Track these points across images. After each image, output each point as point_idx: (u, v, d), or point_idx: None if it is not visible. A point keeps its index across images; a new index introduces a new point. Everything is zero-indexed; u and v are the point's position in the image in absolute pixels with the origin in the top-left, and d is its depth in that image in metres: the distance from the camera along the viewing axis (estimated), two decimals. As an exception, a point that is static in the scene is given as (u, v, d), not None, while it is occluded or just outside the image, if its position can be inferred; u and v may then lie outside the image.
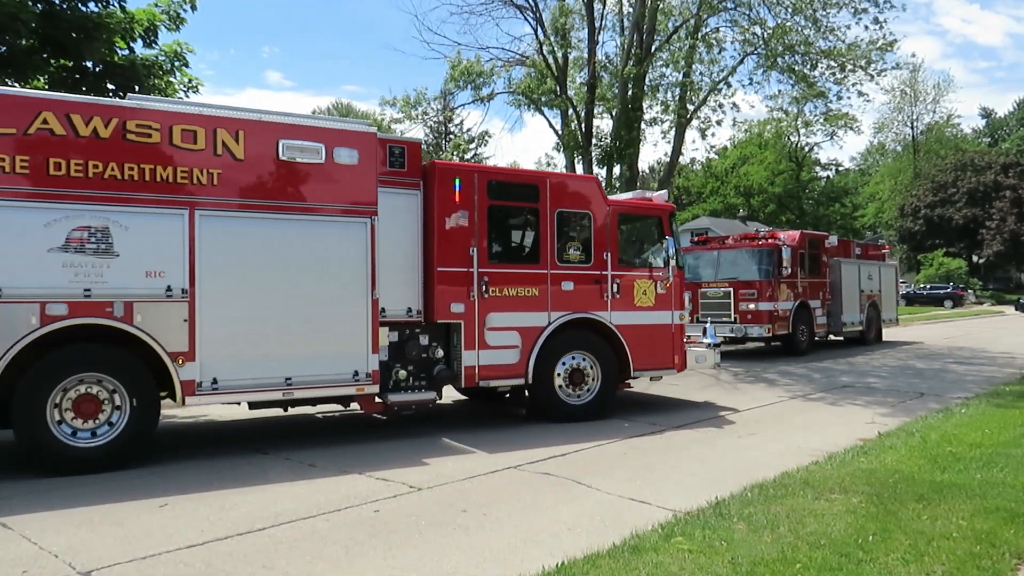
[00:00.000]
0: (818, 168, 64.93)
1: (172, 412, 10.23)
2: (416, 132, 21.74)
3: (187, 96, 10.34)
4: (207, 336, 6.82)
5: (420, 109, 20.04)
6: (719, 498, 5.44)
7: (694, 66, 19.90)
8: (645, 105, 20.18)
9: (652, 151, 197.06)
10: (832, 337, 19.86)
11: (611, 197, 9.90)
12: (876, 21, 18.33)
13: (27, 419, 6.31)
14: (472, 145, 61.21)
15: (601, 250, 9.22)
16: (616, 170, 20.23)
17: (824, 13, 18.55)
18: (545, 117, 20.25)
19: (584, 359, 9.08)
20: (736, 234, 19.75)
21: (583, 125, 19.71)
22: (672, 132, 20.70)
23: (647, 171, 56.33)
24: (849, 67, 18.97)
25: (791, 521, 4.85)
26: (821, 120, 21.60)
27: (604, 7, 20.46)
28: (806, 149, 57.53)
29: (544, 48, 19.14)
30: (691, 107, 20.30)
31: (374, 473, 6.53)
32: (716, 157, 54.00)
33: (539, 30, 19.45)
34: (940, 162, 59.87)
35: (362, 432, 8.78)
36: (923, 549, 4.33)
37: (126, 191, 6.54)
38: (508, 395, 9.14)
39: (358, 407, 7.95)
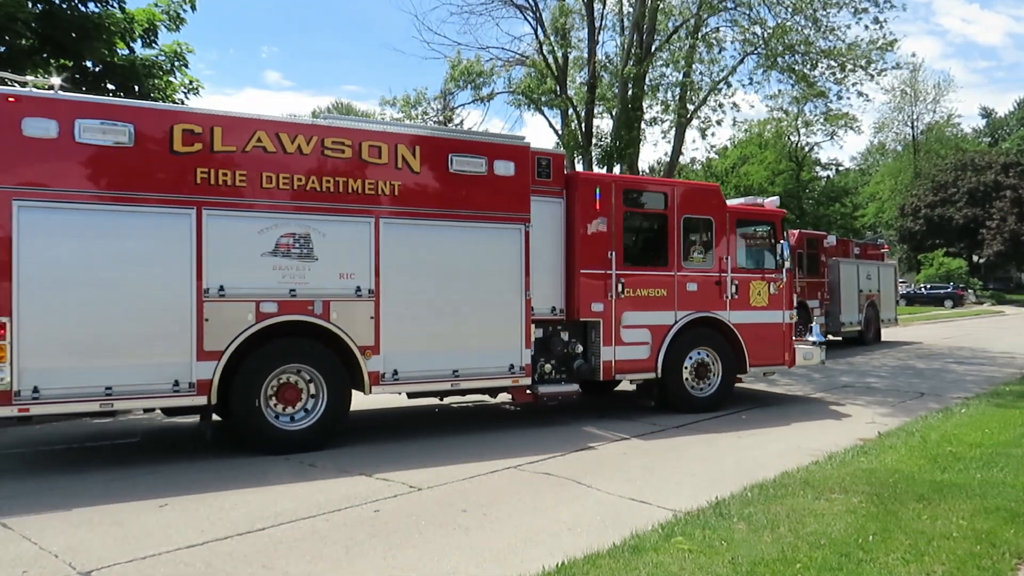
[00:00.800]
0: (818, 168, 64.90)
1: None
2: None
3: (187, 97, 10.35)
4: (389, 332, 7.63)
5: (420, 109, 20.06)
6: (719, 498, 5.44)
7: (694, 66, 19.88)
8: (645, 105, 20.17)
9: (652, 151, 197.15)
10: (831, 337, 19.78)
11: (729, 203, 10.47)
12: (876, 21, 18.32)
13: (245, 405, 7.09)
14: (472, 145, 61.36)
15: (721, 253, 9.92)
16: (616, 170, 20.23)
17: (824, 13, 18.53)
18: (545, 117, 20.28)
19: (707, 355, 9.78)
20: None
21: (583, 125, 19.70)
22: (672, 132, 20.69)
23: (647, 171, 56.26)
24: (849, 67, 18.94)
25: (791, 521, 4.85)
26: (821, 120, 21.60)
27: (604, 7, 20.47)
28: (806, 149, 57.50)
29: (544, 48, 19.14)
30: (691, 107, 20.28)
31: (374, 473, 6.53)
32: (716, 157, 53.93)
33: (539, 30, 19.46)
34: (940, 162, 59.86)
35: (362, 432, 8.78)
36: (923, 549, 4.33)
37: (324, 201, 7.38)
38: (636, 388, 9.93)
39: (509, 397, 8.82)
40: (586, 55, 19.87)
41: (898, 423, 8.73)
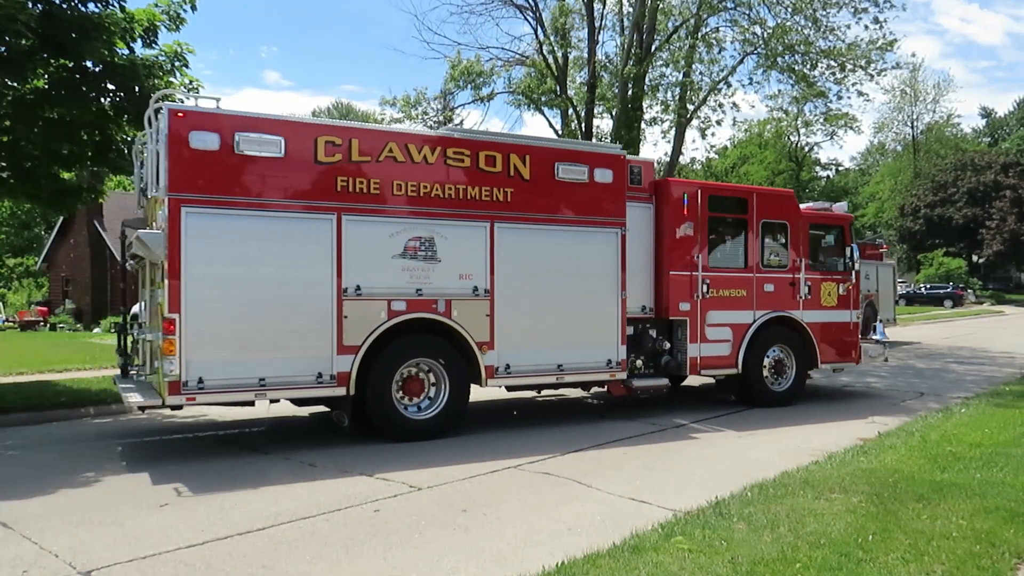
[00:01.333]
0: (818, 168, 64.96)
1: (171, 412, 10.23)
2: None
3: (187, 98, 10.31)
4: (502, 328, 8.24)
5: (420, 109, 20.05)
6: (719, 498, 5.43)
7: (694, 66, 19.90)
8: (645, 105, 20.17)
9: (652, 151, 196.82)
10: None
11: (802, 207, 10.95)
12: (876, 21, 18.33)
13: (380, 395, 7.68)
14: (472, 145, 61.37)
15: (795, 255, 10.46)
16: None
17: (824, 13, 18.54)
18: (545, 117, 20.28)
19: (782, 352, 10.37)
20: None
21: (583, 125, 19.68)
22: (672, 132, 20.70)
23: (647, 171, 56.33)
24: (849, 67, 18.94)
25: (791, 521, 4.85)
26: (821, 120, 21.59)
27: (604, 7, 20.47)
28: (806, 149, 57.53)
29: (544, 48, 19.13)
30: (691, 107, 20.28)
31: (374, 473, 6.53)
32: (716, 157, 54.02)
33: (539, 30, 19.46)
34: (940, 162, 59.84)
35: (362, 432, 8.78)
36: (923, 548, 4.33)
37: (446, 207, 7.97)
38: (716, 383, 10.78)
39: (606, 390, 9.32)
40: (586, 55, 19.87)
41: (898, 423, 8.73)
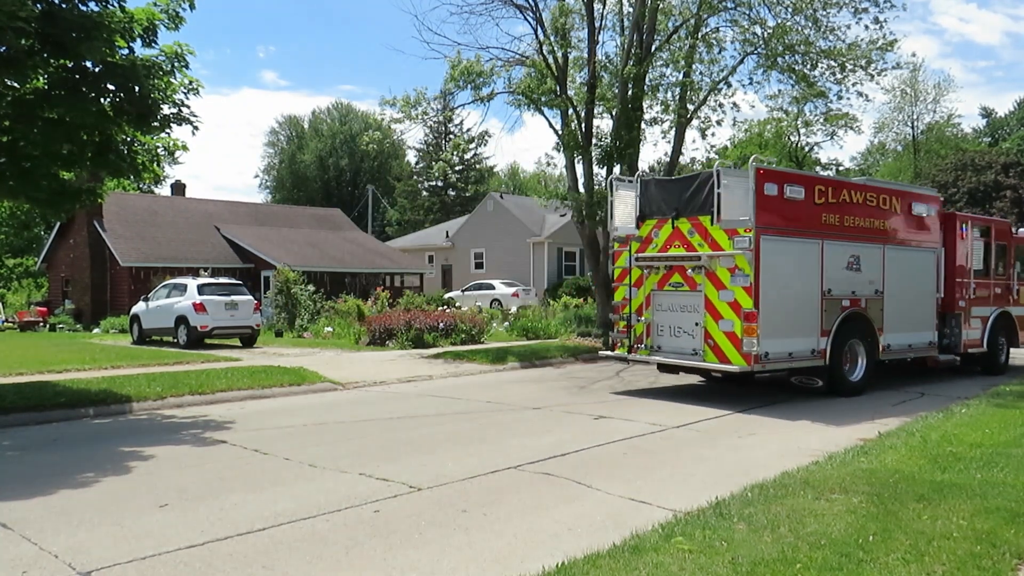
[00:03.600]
0: (818, 168, 64.91)
1: (171, 412, 10.25)
2: (416, 132, 21.66)
3: (187, 98, 10.31)
4: (889, 318, 11.80)
5: (420, 109, 19.99)
6: (719, 498, 5.43)
7: (694, 66, 19.86)
8: (645, 105, 20.13)
9: (652, 151, 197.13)
10: None
11: (1014, 233, 15.14)
12: (876, 21, 18.30)
13: (837, 364, 11.01)
14: (472, 145, 61.33)
15: (1010, 267, 14.66)
16: (616, 170, 20.22)
17: (824, 13, 18.51)
18: (545, 117, 20.22)
19: (1002, 336, 14.38)
20: None
21: (583, 125, 19.66)
22: (672, 132, 20.66)
23: (647, 171, 56.25)
24: (849, 67, 18.92)
25: (791, 521, 4.85)
26: (821, 120, 21.57)
27: (604, 7, 20.41)
28: (806, 149, 57.50)
29: (544, 48, 19.09)
30: (691, 107, 20.25)
31: (374, 473, 6.53)
32: (716, 157, 53.97)
33: (539, 30, 19.41)
34: (940, 162, 59.78)
35: (362, 432, 8.78)
36: (923, 549, 4.33)
37: (865, 234, 11.50)
38: (962, 359, 13.66)
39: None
40: (586, 55, 19.84)
41: (898, 423, 8.73)
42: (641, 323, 11.38)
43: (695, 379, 12.68)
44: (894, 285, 11.85)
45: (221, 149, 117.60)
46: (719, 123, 25.95)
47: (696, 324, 10.56)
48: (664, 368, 11.71)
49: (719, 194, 10.11)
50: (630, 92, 19.24)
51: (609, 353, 12.46)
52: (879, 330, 11.59)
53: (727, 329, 10.07)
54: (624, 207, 11.74)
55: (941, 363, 12.99)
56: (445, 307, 29.08)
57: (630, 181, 11.98)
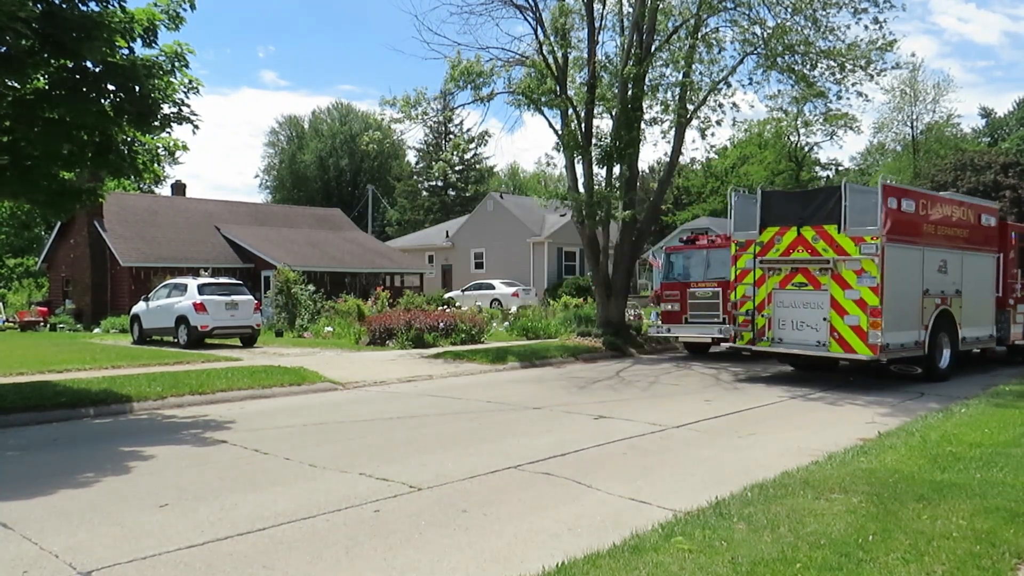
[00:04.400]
0: (818, 168, 64.95)
1: (172, 412, 10.25)
2: (416, 132, 21.62)
3: (187, 97, 10.31)
4: (966, 314, 13.63)
5: (420, 109, 19.95)
6: (719, 498, 5.43)
7: (694, 66, 19.83)
8: (645, 105, 20.11)
9: (652, 151, 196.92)
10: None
11: None
12: (876, 21, 18.27)
13: (935, 355, 12.98)
14: (472, 145, 61.34)
15: None
16: (616, 170, 20.21)
17: (824, 13, 18.47)
18: (545, 117, 20.19)
19: None
20: (726, 234, 19.49)
21: (583, 125, 19.65)
22: (672, 132, 20.63)
23: (647, 171, 56.30)
24: (849, 67, 18.88)
25: (791, 521, 4.85)
26: (821, 120, 21.51)
27: (604, 7, 20.39)
28: (806, 149, 57.51)
29: (544, 48, 19.07)
30: (691, 107, 20.23)
31: (374, 473, 6.53)
32: (716, 157, 53.93)
33: (539, 30, 19.38)
34: (940, 162, 59.77)
35: (361, 432, 8.79)
36: (923, 549, 4.33)
37: (949, 242, 13.27)
38: (1008, 349, 15.74)
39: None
40: (586, 55, 19.84)
41: (898, 423, 8.73)
42: (762, 318, 13.01)
43: (697, 378, 12.59)
44: (969, 286, 13.78)
45: (221, 149, 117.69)
46: (719, 123, 25.89)
47: (824, 319, 12.17)
48: (784, 359, 14.37)
49: (846, 206, 11.84)
50: (630, 92, 19.23)
51: (731, 345, 13.96)
52: (959, 325, 13.45)
53: (853, 324, 11.78)
54: (744, 215, 13.50)
55: (997, 354, 15.56)
56: (445, 307, 29.08)
57: (750, 193, 14.01)
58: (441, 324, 20.47)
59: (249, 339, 21.15)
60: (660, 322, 18.42)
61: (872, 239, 11.61)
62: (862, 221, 11.74)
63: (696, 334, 17.57)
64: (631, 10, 19.77)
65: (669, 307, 17.95)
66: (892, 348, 11.84)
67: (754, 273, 13.19)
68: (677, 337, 18.59)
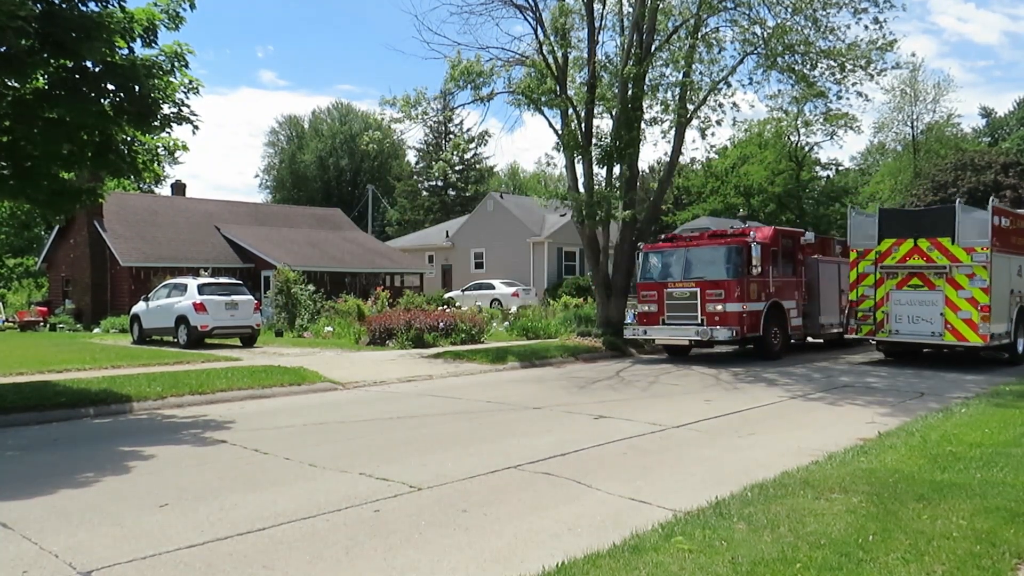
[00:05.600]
0: (818, 168, 64.92)
1: (171, 412, 10.25)
2: (416, 132, 21.60)
3: (187, 97, 10.31)
4: None
5: (420, 109, 19.96)
6: (719, 498, 5.43)
7: (694, 66, 19.84)
8: (645, 105, 20.12)
9: (652, 151, 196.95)
10: (811, 339, 19.26)
11: None
12: (876, 21, 18.28)
13: (1015, 341, 15.33)
14: (472, 145, 61.36)
15: None
16: (616, 170, 20.21)
17: (824, 13, 18.48)
18: (545, 117, 20.19)
19: None
20: (706, 231, 18.66)
21: (583, 125, 19.65)
22: (672, 132, 20.64)
23: (647, 171, 56.27)
24: (849, 67, 18.89)
25: (791, 521, 4.85)
26: (821, 120, 21.52)
27: (604, 7, 20.39)
28: (806, 149, 57.50)
29: (544, 48, 19.07)
30: (691, 107, 20.24)
31: (374, 473, 6.53)
32: (716, 157, 53.89)
33: (539, 30, 19.39)
34: (940, 162, 59.77)
35: (361, 431, 8.79)
36: (923, 549, 4.33)
37: (1022, 251, 15.74)
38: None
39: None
40: (586, 55, 19.84)
41: (898, 423, 8.73)
42: (881, 313, 15.39)
43: (697, 378, 12.57)
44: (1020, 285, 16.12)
45: (220, 149, 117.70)
46: (719, 123, 25.93)
47: (940, 314, 14.61)
48: (901, 347, 16.19)
49: (959, 223, 14.42)
50: (630, 92, 19.24)
51: (852, 336, 16.23)
52: None
53: (965, 317, 14.28)
54: (861, 229, 15.92)
55: None
56: (445, 307, 29.08)
57: (863, 210, 16.99)
58: (441, 324, 20.47)
59: (249, 339, 21.15)
60: (636, 323, 17.87)
61: (983, 249, 14.22)
62: (973, 235, 14.48)
63: (673, 336, 16.92)
64: (631, 10, 19.78)
65: (646, 308, 17.36)
66: (994, 337, 14.46)
67: (874, 276, 15.51)
68: (653, 340, 17.91)
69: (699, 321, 16.18)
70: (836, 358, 17.41)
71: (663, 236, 18.64)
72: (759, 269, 16.07)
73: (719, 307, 16.03)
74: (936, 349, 16.14)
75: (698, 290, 16.29)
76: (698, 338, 16.22)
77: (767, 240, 16.90)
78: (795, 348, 18.81)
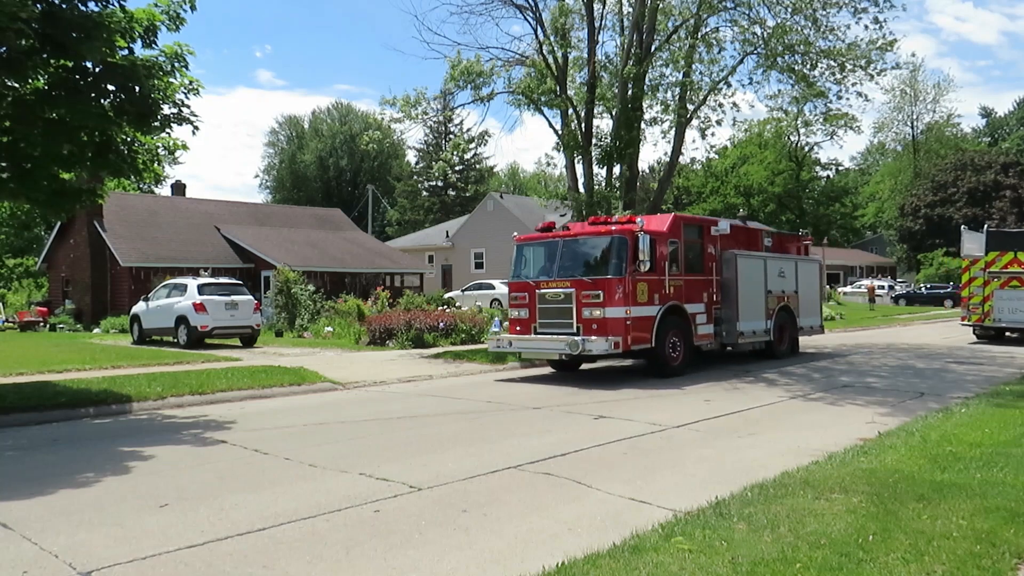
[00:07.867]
0: (818, 168, 64.96)
1: (171, 412, 10.25)
2: (416, 132, 21.61)
3: (187, 98, 10.30)
4: None
5: (420, 109, 19.99)
6: (719, 498, 5.43)
7: (694, 66, 19.86)
8: (645, 105, 20.13)
9: (652, 151, 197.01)
10: (729, 349, 15.94)
11: None
12: (876, 21, 18.29)
13: None
14: (472, 145, 61.35)
15: None
16: (616, 170, 20.21)
17: (824, 13, 18.50)
18: (545, 117, 20.21)
19: None
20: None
21: (583, 125, 19.66)
22: (672, 132, 20.65)
23: (647, 171, 56.28)
24: (849, 67, 18.91)
25: (791, 521, 4.85)
26: (821, 120, 21.54)
27: (604, 7, 20.42)
28: (806, 149, 57.54)
29: (544, 48, 19.09)
30: (691, 107, 20.25)
31: (374, 473, 6.53)
32: (716, 157, 53.94)
33: (539, 30, 19.41)
34: (940, 161, 59.81)
35: (362, 431, 8.79)
36: (923, 549, 4.33)
37: None
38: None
39: None
40: (586, 55, 19.84)
41: (898, 423, 8.73)
42: (987, 305, 20.63)
43: (701, 378, 12.56)
44: None
45: (218, 149, 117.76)
46: (719, 123, 25.93)
47: None
48: (992, 331, 21.25)
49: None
50: (630, 92, 19.24)
51: (965, 323, 21.85)
52: None
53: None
54: (972, 243, 21.46)
55: None
56: (445, 307, 29.08)
57: (974, 229, 22.06)
58: (441, 324, 20.47)
59: (249, 339, 21.16)
60: (505, 332, 14.87)
61: None
62: None
63: (542, 348, 13.59)
64: (631, 10, 19.78)
65: (516, 313, 14.09)
66: None
67: (982, 279, 20.75)
68: (519, 354, 14.38)
69: (575, 329, 13.04)
70: (853, 355, 17.28)
71: (539, 226, 15.24)
72: (648, 265, 12.80)
73: (596, 312, 12.82)
74: (1022, 334, 21.51)
75: (573, 291, 13.15)
76: (569, 351, 12.80)
77: (662, 230, 13.79)
78: (711, 358, 16.20)
